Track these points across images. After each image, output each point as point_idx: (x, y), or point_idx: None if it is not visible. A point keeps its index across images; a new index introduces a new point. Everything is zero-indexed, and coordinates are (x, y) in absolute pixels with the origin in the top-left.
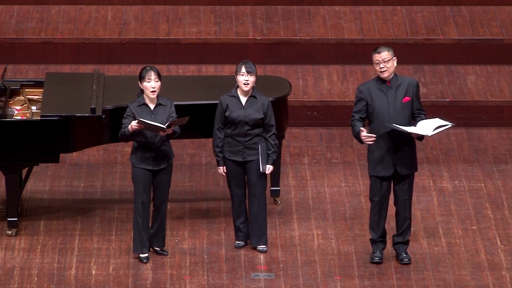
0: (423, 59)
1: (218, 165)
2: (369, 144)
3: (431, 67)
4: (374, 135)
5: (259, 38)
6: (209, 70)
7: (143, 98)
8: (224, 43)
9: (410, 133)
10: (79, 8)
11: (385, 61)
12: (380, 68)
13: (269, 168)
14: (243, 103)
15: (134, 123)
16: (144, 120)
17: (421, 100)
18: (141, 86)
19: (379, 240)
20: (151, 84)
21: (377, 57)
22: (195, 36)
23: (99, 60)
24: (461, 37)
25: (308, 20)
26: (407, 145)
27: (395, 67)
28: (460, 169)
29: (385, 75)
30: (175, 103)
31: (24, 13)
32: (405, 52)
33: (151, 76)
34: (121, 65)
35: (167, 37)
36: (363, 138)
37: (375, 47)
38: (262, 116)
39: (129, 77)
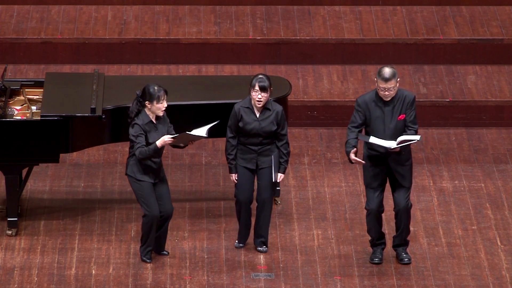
0: (423, 59)
1: (231, 172)
2: (364, 160)
3: (431, 67)
4: (363, 162)
5: (259, 38)
6: (209, 70)
7: (147, 115)
8: (224, 43)
9: (377, 145)
10: (79, 8)
11: (390, 90)
12: (385, 95)
13: (280, 177)
14: (257, 115)
15: (168, 138)
16: (189, 133)
17: (421, 100)
18: (149, 105)
19: (377, 242)
20: (164, 105)
21: (383, 84)
22: (195, 36)
23: (99, 60)
24: (461, 37)
25: (308, 20)
26: (401, 163)
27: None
28: (460, 169)
29: (387, 99)
30: (174, 103)
31: (24, 13)
32: (405, 52)
33: (164, 97)
34: (121, 65)
35: (167, 37)
36: (353, 160)
37: (380, 69)
38: (276, 127)
39: (129, 77)
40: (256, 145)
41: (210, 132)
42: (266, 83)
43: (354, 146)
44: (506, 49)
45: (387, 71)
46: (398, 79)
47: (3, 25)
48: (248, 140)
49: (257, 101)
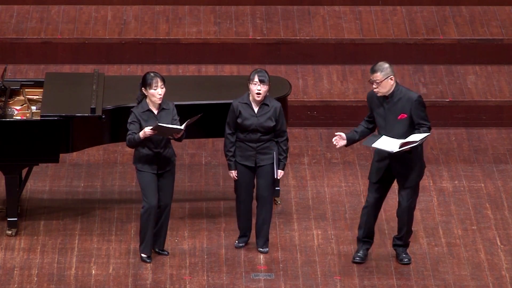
0: (423, 59)
1: (230, 169)
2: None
3: (431, 67)
4: (341, 143)
5: (259, 38)
6: (209, 70)
7: (147, 104)
8: (224, 43)
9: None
10: (79, 8)
11: (377, 83)
12: (373, 88)
13: (280, 173)
14: (256, 111)
15: (148, 130)
16: (163, 125)
17: None
18: (145, 92)
19: (364, 240)
20: (158, 91)
21: (370, 76)
22: (195, 36)
23: (99, 60)
24: (461, 37)
25: (308, 20)
26: (405, 162)
27: (392, 84)
28: (460, 169)
29: (378, 94)
30: (175, 103)
31: (24, 13)
32: (405, 52)
33: (157, 83)
34: (121, 65)
35: (167, 37)
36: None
37: (373, 65)
38: (275, 123)
39: (129, 77)
40: (255, 142)
41: (209, 132)
42: (265, 77)
43: (353, 132)
44: (506, 49)
45: (375, 64)
46: (390, 77)
47: (3, 25)
48: (246, 137)
49: (256, 93)
